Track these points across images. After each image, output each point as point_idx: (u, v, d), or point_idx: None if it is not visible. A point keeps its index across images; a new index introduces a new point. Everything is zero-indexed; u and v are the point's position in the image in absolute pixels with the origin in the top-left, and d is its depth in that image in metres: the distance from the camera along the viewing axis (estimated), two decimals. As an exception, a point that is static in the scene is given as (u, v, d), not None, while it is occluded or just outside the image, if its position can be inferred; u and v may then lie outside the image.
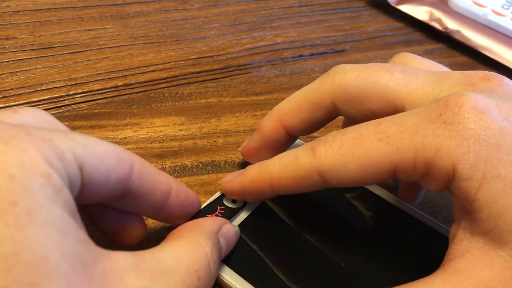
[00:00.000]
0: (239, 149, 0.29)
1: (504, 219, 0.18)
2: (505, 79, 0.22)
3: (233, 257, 0.24)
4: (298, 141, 0.29)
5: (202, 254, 0.20)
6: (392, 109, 0.23)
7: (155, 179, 0.22)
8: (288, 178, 0.23)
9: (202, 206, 0.26)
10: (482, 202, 0.19)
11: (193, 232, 0.21)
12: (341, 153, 0.21)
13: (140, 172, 0.21)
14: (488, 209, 0.19)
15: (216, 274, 0.22)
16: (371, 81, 0.24)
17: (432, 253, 0.25)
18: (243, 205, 0.26)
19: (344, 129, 0.22)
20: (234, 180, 0.25)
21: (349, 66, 0.25)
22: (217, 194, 0.27)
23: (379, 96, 0.24)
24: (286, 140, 0.27)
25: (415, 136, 0.20)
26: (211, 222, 0.23)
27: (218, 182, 0.26)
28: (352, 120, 0.26)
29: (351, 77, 0.24)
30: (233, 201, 0.26)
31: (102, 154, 0.19)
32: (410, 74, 0.23)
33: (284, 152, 0.24)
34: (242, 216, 0.26)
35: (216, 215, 0.25)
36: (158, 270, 0.18)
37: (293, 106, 0.26)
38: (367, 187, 0.28)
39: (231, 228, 0.24)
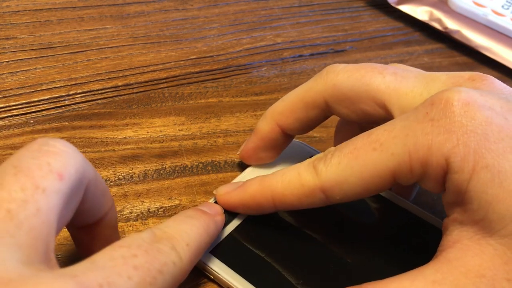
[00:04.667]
0: (237, 153, 0.29)
1: (493, 208, 0.19)
2: (490, 78, 0.23)
3: (233, 257, 0.24)
4: (295, 140, 0.29)
5: None
6: (383, 111, 0.24)
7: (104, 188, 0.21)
8: (291, 195, 0.23)
9: (202, 207, 0.26)
10: (473, 193, 0.19)
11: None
12: (341, 169, 0.21)
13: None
14: (478, 199, 0.19)
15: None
16: (363, 82, 0.24)
17: (431, 248, 0.25)
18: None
19: (340, 144, 0.22)
20: (233, 193, 0.25)
21: (342, 66, 0.25)
22: (217, 196, 0.27)
23: (370, 98, 0.24)
24: (283, 140, 0.27)
25: (407, 138, 0.20)
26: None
27: (214, 192, 0.26)
28: (345, 120, 0.26)
29: (343, 77, 0.24)
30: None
31: None
32: (401, 77, 0.24)
33: (286, 168, 0.24)
34: (242, 216, 0.26)
35: None
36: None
37: (287, 106, 0.26)
38: None
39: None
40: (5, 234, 0.15)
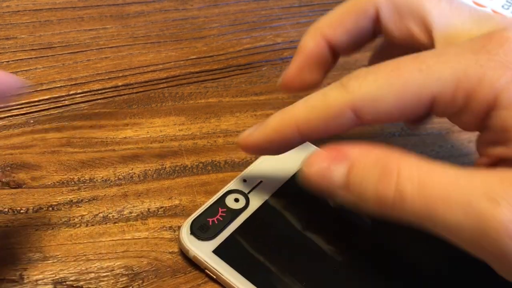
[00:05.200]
0: (277, 83, 0.27)
1: None
2: None
3: (235, 257, 0.24)
4: (307, 142, 0.29)
5: None
6: (427, 37, 0.23)
7: None
8: (317, 119, 0.21)
9: (203, 208, 0.26)
10: None
11: None
12: (378, 86, 0.20)
13: None
14: None
15: None
16: (419, 2, 0.23)
17: (432, 252, 0.25)
18: (245, 206, 0.26)
19: (377, 64, 0.21)
20: (255, 132, 0.24)
21: None
22: (218, 195, 0.27)
23: (420, 18, 0.23)
24: (330, 58, 0.26)
25: (458, 65, 0.19)
26: None
27: (236, 140, 0.24)
28: (387, 39, 0.25)
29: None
30: (236, 201, 0.26)
31: None
32: (455, 7, 0.23)
33: (310, 94, 0.22)
34: (245, 216, 0.26)
35: (217, 218, 0.25)
36: None
37: (335, 17, 0.25)
38: None
39: None
40: None
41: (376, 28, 0.25)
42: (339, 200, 0.21)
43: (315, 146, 0.30)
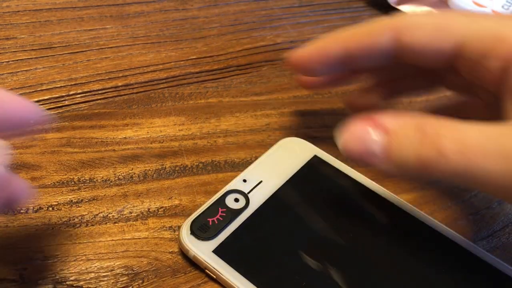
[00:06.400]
0: (288, 57, 0.28)
1: None
2: None
3: (235, 257, 0.24)
4: (295, 138, 0.30)
5: None
6: (455, 48, 0.23)
7: None
8: (361, 34, 0.24)
9: (203, 208, 0.26)
10: None
11: None
12: (421, 15, 0.24)
13: None
14: None
15: None
16: (442, 18, 0.24)
17: (437, 256, 0.25)
18: (245, 206, 0.26)
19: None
20: (305, 48, 0.26)
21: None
22: (218, 195, 0.27)
23: (448, 34, 0.23)
24: (339, 66, 0.26)
25: (497, 25, 0.22)
26: None
27: (286, 56, 0.27)
28: (399, 64, 0.25)
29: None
30: (236, 201, 0.26)
31: None
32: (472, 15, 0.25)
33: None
34: (245, 216, 0.26)
35: (217, 218, 0.25)
36: None
37: (355, 31, 0.25)
38: (372, 189, 0.28)
39: None
40: None
41: (396, 46, 0.24)
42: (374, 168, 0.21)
43: (310, 144, 0.30)
